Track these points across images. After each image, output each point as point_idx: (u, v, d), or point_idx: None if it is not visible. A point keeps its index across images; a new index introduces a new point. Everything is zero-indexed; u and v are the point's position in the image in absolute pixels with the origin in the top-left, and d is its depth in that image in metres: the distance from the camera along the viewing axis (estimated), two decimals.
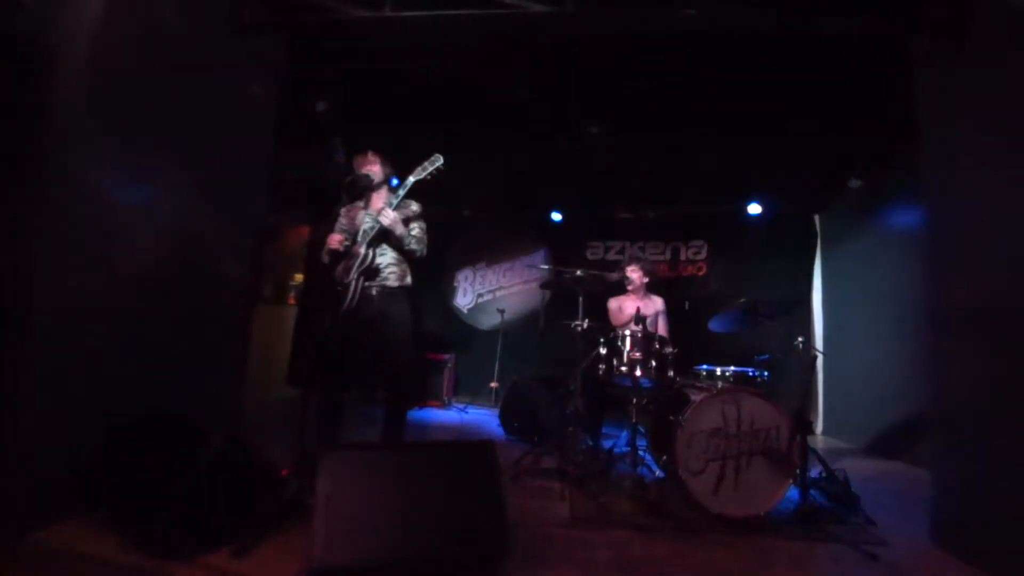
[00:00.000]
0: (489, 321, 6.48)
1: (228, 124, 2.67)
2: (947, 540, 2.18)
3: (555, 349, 5.40)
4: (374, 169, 2.75)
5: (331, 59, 3.42)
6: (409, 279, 2.75)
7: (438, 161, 2.62)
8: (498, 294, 6.63)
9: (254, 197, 2.91)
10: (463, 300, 6.77)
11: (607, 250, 6.36)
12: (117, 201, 2.12)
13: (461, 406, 5.58)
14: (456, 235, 6.74)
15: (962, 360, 2.21)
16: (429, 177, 2.62)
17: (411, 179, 2.62)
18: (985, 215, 2.12)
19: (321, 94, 3.84)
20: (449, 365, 5.76)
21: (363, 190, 2.71)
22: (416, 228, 2.72)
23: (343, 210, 2.80)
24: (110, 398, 2.09)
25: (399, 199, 2.62)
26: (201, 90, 2.49)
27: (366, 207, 2.76)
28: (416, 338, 2.70)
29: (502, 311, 6.13)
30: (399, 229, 2.60)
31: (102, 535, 1.81)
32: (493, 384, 5.92)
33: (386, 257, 2.66)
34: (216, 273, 2.64)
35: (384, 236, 2.62)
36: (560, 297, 5.99)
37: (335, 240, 2.65)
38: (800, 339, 2.77)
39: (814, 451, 2.79)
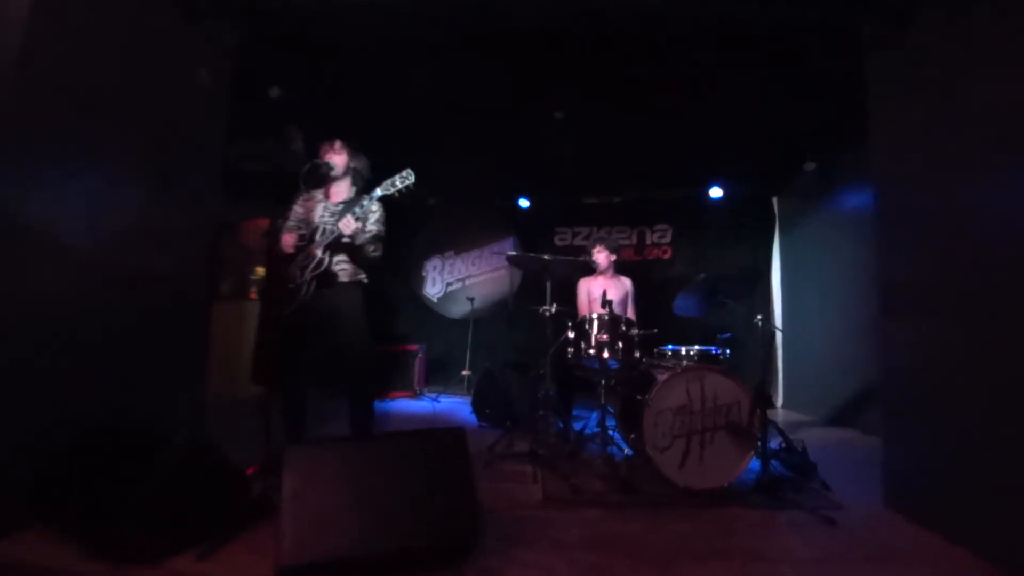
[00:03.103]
0: (459, 310, 6.45)
1: (177, 111, 2.54)
2: (897, 502, 2.31)
3: (525, 335, 5.45)
4: (337, 160, 2.65)
5: (286, 44, 3.29)
6: (363, 276, 2.67)
7: (409, 179, 2.51)
8: (467, 282, 6.61)
9: (207, 187, 2.78)
10: (432, 289, 6.72)
11: (575, 236, 6.41)
12: (57, 195, 1.99)
13: (433, 395, 5.56)
14: (424, 224, 6.67)
15: (906, 334, 2.33)
16: (397, 195, 2.52)
17: (378, 192, 2.51)
18: (928, 196, 2.22)
19: (276, 80, 3.69)
20: (420, 355, 5.72)
21: (322, 179, 2.62)
22: (374, 235, 2.62)
23: (300, 199, 2.70)
24: (63, 403, 1.99)
25: (363, 209, 2.51)
26: (147, 76, 2.36)
27: (325, 199, 2.68)
28: (385, 329, 2.66)
29: (472, 299, 6.12)
30: (360, 239, 2.51)
31: (61, 545, 1.73)
32: (464, 372, 5.93)
33: (339, 256, 2.59)
34: (170, 268, 2.52)
35: (342, 242, 2.53)
36: (529, 283, 6.03)
37: (288, 243, 2.54)
38: (760, 317, 2.86)
39: (774, 424, 2.91)
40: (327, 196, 2.69)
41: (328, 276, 2.55)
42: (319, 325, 2.52)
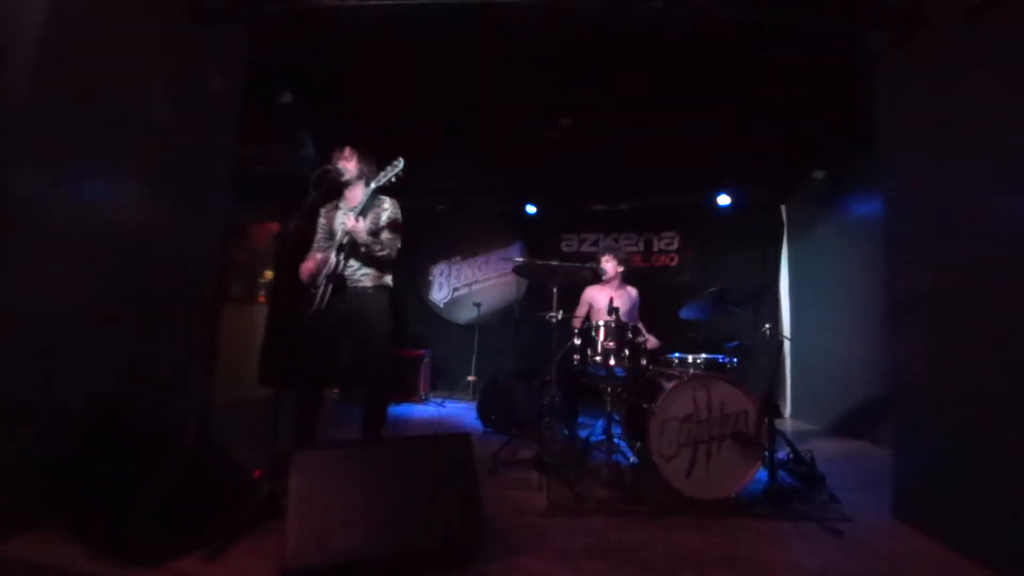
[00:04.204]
0: (465, 315, 6.47)
1: (189, 116, 2.58)
2: (906, 514, 2.28)
3: (531, 341, 5.45)
4: (348, 166, 2.69)
5: (297, 49, 3.34)
6: (387, 279, 2.69)
7: (398, 166, 2.58)
8: (474, 288, 6.62)
9: (218, 191, 2.82)
10: (439, 295, 6.74)
11: (581, 242, 6.42)
12: (71, 197, 2.03)
13: (439, 401, 5.57)
14: (431, 229, 6.69)
15: (915, 342, 2.31)
16: (388, 184, 2.59)
17: (372, 185, 2.59)
18: (937, 204, 2.20)
19: (285, 86, 3.74)
20: (426, 360, 5.73)
21: (331, 185, 2.65)
22: (385, 232, 2.64)
23: (323, 209, 2.73)
24: (71, 402, 2.01)
25: (362, 206, 2.56)
26: (159, 81, 2.40)
27: (344, 205, 2.72)
28: (393, 334, 2.68)
29: (478, 305, 6.13)
30: (362, 237, 2.52)
31: (67, 544, 1.74)
32: (470, 378, 5.93)
33: (355, 259, 2.62)
34: (179, 271, 2.55)
35: (353, 243, 2.56)
36: (535, 289, 6.03)
37: (306, 272, 2.60)
38: (768, 326, 2.84)
39: (782, 433, 2.89)
40: (346, 202, 2.73)
41: (340, 279, 2.57)
42: (338, 329, 2.55)
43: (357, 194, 2.74)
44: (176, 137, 2.51)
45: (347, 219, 2.49)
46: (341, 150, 2.73)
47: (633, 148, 4.82)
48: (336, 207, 2.73)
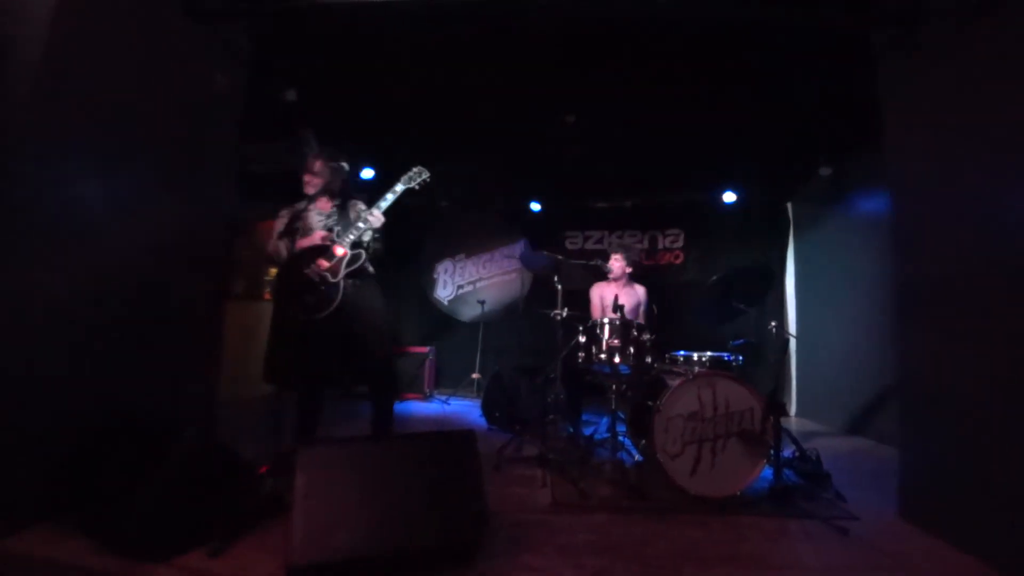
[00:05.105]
0: (469, 312, 6.46)
1: (191, 114, 2.59)
2: (912, 513, 2.26)
3: (535, 338, 5.44)
4: (312, 183, 2.71)
5: (298, 47, 3.34)
6: (371, 267, 2.74)
7: (424, 174, 2.66)
8: (478, 285, 6.61)
9: (221, 189, 2.83)
10: (443, 292, 6.74)
11: (585, 239, 6.39)
12: (72, 196, 2.04)
13: (443, 398, 5.57)
14: (435, 227, 6.68)
15: (922, 340, 2.29)
16: (416, 187, 2.65)
17: (399, 187, 2.62)
18: (944, 200, 2.18)
19: (288, 84, 3.74)
20: (430, 357, 5.74)
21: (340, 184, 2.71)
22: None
23: (285, 211, 2.74)
24: (76, 400, 2.02)
25: (388, 204, 2.61)
26: (161, 80, 2.41)
27: (314, 207, 2.73)
28: (396, 331, 2.70)
29: (482, 302, 6.12)
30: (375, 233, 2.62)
31: (73, 540, 1.76)
32: (474, 375, 5.93)
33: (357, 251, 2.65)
34: (184, 268, 2.56)
35: (361, 239, 2.62)
36: (539, 287, 6.02)
37: (320, 236, 2.61)
38: (773, 323, 2.83)
39: (787, 431, 2.87)
40: (316, 206, 2.75)
41: (361, 273, 2.63)
42: (351, 323, 2.56)
43: (327, 200, 2.77)
44: (179, 135, 2.52)
45: (376, 216, 2.56)
46: (312, 165, 2.71)
47: (637, 145, 4.80)
48: (306, 208, 2.73)
